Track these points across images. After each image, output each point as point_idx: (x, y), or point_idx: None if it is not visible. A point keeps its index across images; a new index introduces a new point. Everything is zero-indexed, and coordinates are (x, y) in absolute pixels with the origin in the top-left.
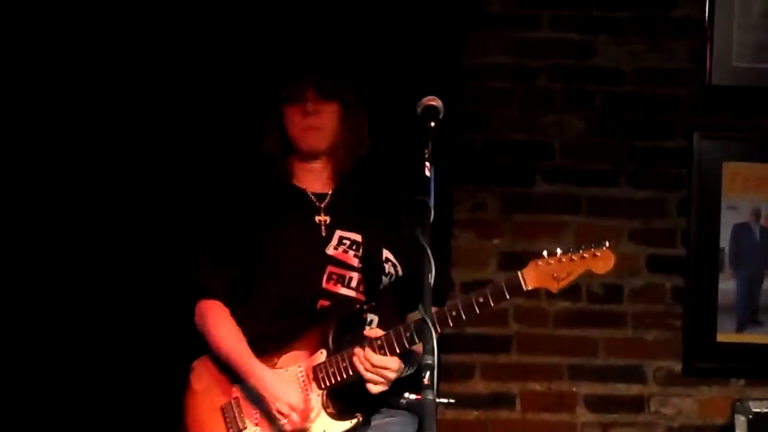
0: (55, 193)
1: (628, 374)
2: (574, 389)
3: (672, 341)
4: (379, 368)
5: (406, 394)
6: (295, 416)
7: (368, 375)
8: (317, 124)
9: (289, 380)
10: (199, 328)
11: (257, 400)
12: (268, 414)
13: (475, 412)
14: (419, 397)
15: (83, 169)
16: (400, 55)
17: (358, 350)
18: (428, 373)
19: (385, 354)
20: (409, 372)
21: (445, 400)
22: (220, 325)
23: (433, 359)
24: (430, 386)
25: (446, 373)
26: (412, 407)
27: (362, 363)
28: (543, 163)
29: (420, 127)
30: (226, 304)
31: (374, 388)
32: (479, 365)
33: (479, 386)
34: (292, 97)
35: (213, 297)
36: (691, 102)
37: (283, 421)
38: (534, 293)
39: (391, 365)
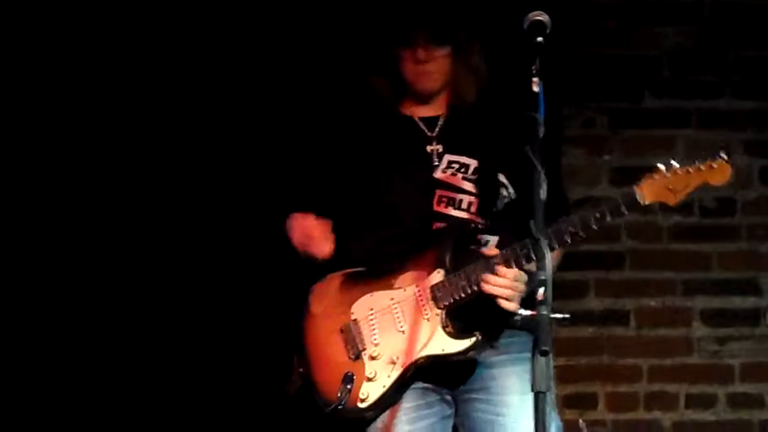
0: (102, 169)
1: (743, 287)
2: (689, 304)
3: None
4: (515, 282)
5: (521, 311)
6: None
7: (502, 291)
8: (430, 69)
9: None
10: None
11: (376, 320)
12: (387, 332)
13: (590, 329)
14: (534, 313)
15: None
16: None
17: (498, 269)
18: (542, 289)
19: None
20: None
21: (560, 316)
22: None
23: (547, 274)
24: (545, 301)
25: (560, 290)
26: (526, 324)
27: (494, 283)
28: (651, 77)
29: (528, 42)
30: None
31: (507, 305)
32: (593, 282)
33: (593, 303)
34: (403, 42)
35: None
36: None
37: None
38: (648, 208)
39: (524, 279)
